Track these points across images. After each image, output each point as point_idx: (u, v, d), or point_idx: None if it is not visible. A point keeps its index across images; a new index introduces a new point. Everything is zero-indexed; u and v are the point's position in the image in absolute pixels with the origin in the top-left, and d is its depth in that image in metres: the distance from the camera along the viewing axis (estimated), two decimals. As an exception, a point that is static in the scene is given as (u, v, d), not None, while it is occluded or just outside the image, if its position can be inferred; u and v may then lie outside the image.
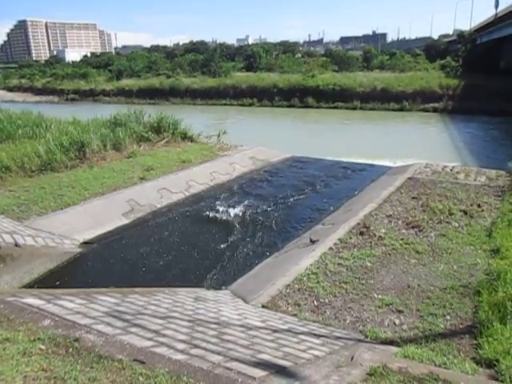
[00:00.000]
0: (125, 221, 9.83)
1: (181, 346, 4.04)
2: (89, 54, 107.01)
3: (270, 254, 7.76)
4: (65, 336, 3.95)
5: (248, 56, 62.64)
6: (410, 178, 12.11)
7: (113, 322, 4.45)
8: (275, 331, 4.68)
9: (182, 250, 8.16)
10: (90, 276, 7.46)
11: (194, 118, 25.88)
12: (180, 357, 3.77)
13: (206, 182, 13.13)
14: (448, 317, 5.23)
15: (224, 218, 10.05)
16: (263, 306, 5.59)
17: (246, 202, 11.23)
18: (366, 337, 4.91)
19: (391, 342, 4.76)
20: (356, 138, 23.75)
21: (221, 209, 10.67)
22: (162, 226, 9.38)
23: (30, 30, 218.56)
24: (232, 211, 10.41)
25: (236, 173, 14.16)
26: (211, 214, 10.29)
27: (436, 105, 36.66)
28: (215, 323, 4.76)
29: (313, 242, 7.46)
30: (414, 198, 10.18)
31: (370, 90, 38.97)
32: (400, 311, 5.41)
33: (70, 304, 4.87)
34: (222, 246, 8.25)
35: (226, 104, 43.12)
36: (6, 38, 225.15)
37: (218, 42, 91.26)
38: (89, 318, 4.49)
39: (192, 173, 13.24)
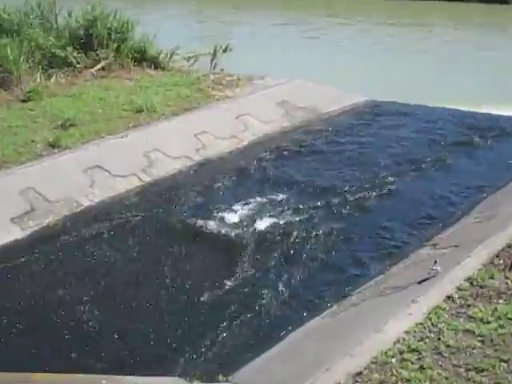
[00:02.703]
0: (16, 233, 6.79)
1: None
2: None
3: (318, 310, 5.30)
4: None
5: None
6: None
7: None
8: None
9: (136, 298, 5.69)
10: None
11: (170, 19, 19.38)
12: None
13: (186, 153, 8.65)
14: None
15: (222, 232, 6.63)
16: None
17: (268, 201, 7.28)
18: None
19: None
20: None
21: (215, 214, 6.98)
22: (93, 245, 6.53)
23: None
24: (239, 219, 6.85)
25: (250, 135, 9.58)
26: (196, 224, 6.82)
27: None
28: None
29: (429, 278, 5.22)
30: None
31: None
32: None
33: None
34: (219, 290, 5.68)
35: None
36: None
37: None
38: None
39: (156, 135, 8.85)
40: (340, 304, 5.40)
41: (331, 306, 5.30)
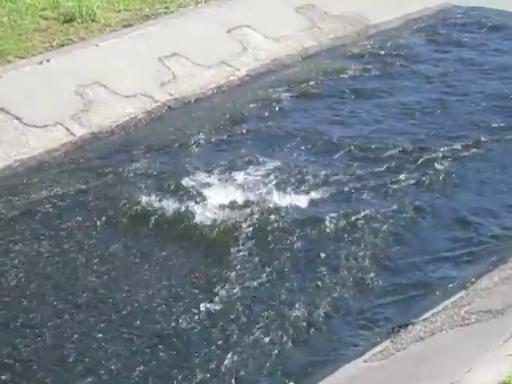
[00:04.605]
0: None
1: None
2: None
3: (360, 344, 4.38)
4: None
5: None
6: None
7: None
8: None
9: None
10: None
11: None
12: None
13: (145, 90, 6.94)
14: None
15: (197, 222, 5.22)
16: None
17: (271, 170, 5.84)
18: None
19: None
20: None
21: (181, 205, 5.46)
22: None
23: None
24: (222, 203, 5.31)
25: (250, 61, 7.54)
26: (142, 210, 5.46)
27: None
28: None
29: None
30: None
31: None
32: None
33: None
34: (185, 323, 4.47)
35: None
36: None
37: None
38: None
39: (96, 60, 7.09)
40: (396, 337, 4.49)
41: (380, 341, 4.41)
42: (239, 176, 5.56)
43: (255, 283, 4.81)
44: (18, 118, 5.99)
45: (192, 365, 4.21)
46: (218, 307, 4.52)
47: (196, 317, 4.42)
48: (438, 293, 4.56)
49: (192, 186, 5.40)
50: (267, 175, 5.73)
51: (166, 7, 7.67)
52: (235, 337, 4.38)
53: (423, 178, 5.95)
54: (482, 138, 6.31)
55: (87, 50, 6.94)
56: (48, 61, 6.57)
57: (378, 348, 4.18)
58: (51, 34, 7.07)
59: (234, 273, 4.77)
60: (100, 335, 4.36)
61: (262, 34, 7.80)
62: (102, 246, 5.02)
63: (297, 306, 4.63)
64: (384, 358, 4.17)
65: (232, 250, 4.96)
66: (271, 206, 5.31)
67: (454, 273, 4.83)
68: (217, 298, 4.57)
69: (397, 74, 7.58)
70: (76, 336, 4.37)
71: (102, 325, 4.45)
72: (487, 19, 8.88)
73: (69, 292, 4.66)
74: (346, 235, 5.27)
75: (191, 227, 5.07)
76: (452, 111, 6.87)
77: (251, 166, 5.75)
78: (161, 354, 4.30)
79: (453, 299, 4.49)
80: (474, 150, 6.25)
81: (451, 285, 4.68)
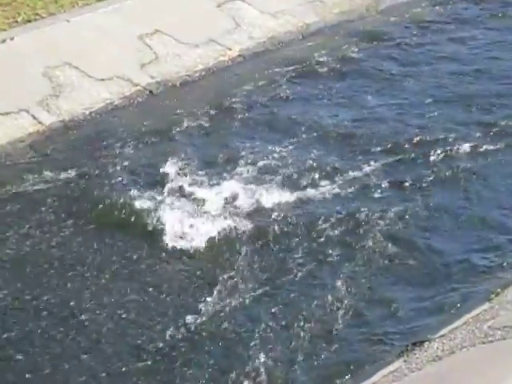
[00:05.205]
0: None
1: None
2: None
3: (370, 363, 4.18)
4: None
5: None
6: None
7: None
8: None
9: None
10: None
11: None
12: None
13: (123, 72, 6.65)
14: None
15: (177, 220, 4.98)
16: None
17: (263, 166, 5.53)
18: None
19: None
20: None
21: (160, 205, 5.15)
22: None
23: None
24: (207, 199, 5.01)
25: (244, 39, 7.12)
26: (117, 209, 5.38)
27: None
28: None
29: None
30: None
31: None
32: None
33: None
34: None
35: None
36: None
37: None
38: None
39: (67, 37, 6.79)
40: (409, 356, 4.17)
41: (392, 360, 4.13)
42: (228, 171, 5.05)
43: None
44: (-25, 106, 5.77)
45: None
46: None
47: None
48: (457, 305, 4.14)
49: (175, 182, 4.87)
50: (260, 171, 5.15)
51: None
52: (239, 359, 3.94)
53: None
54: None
55: (57, 27, 6.45)
56: (12, 39, 6.15)
57: (390, 368, 3.75)
58: (16, 9, 6.64)
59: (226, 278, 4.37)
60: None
61: (258, 9, 7.28)
62: (66, 251, 4.54)
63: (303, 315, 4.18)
64: (396, 379, 3.89)
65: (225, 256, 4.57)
66: (262, 204, 4.83)
67: (477, 282, 4.44)
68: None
69: (410, 54, 6.85)
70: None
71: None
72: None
73: (31, 295, 4.29)
74: (349, 239, 4.75)
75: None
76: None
77: (241, 161, 5.16)
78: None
79: (475, 313, 4.13)
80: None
81: (473, 296, 4.29)
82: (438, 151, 5.68)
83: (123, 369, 4.10)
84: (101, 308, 4.37)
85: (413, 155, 5.70)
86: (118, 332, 4.37)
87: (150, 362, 4.20)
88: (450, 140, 5.84)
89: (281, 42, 6.73)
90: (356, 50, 6.69)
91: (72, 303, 4.36)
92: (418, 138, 5.67)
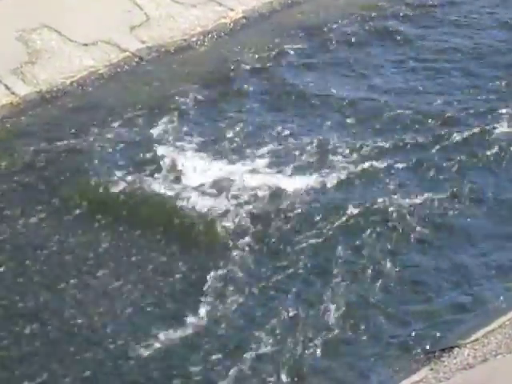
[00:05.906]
0: None
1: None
2: None
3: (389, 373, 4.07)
4: None
5: None
6: None
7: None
8: None
9: None
10: None
11: None
12: None
13: (110, 37, 6.57)
14: None
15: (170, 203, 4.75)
16: None
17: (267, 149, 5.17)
18: None
19: None
20: None
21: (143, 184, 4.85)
22: None
23: None
24: (202, 183, 4.72)
25: (240, 3, 6.61)
26: (102, 192, 5.31)
27: None
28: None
29: None
30: None
31: None
32: None
33: None
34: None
35: None
36: None
37: None
38: None
39: None
40: (437, 364, 4.04)
41: (417, 368, 4.06)
42: (225, 150, 4.68)
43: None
44: None
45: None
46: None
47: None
48: (490, 307, 4.02)
49: (166, 161, 4.54)
50: (262, 154, 4.72)
51: None
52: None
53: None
54: None
55: (35, -12, 5.48)
56: (-13, 1, 5.70)
57: (415, 378, 3.69)
58: None
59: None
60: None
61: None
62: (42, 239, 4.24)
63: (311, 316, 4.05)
64: (419, 391, 4.25)
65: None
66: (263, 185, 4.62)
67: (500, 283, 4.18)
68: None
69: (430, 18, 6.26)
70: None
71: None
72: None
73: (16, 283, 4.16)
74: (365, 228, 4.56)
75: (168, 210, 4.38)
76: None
77: (240, 139, 4.74)
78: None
79: (501, 319, 3.96)
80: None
81: (507, 298, 4.07)
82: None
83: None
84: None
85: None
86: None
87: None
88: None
89: (290, 2, 6.08)
90: (374, 11, 5.99)
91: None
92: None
